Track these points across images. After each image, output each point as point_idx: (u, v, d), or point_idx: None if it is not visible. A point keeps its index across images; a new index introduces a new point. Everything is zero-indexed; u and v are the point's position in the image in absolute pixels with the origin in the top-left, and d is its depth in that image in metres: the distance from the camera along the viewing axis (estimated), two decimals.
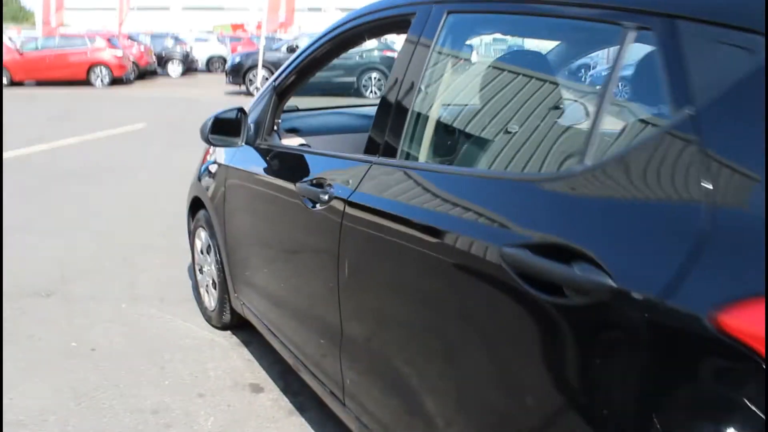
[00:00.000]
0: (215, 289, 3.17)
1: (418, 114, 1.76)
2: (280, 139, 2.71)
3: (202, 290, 3.41)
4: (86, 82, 18.24)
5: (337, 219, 1.86)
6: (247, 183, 2.62)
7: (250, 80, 16.39)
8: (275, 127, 2.69)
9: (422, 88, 1.73)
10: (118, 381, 2.75)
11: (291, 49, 16.77)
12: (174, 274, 4.01)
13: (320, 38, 2.38)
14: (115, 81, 18.59)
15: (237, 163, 2.73)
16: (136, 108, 13.46)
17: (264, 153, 2.56)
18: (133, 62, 20.01)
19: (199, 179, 3.22)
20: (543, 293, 1.22)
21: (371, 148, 1.86)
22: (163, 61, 23.10)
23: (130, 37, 22.28)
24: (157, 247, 4.54)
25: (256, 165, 2.55)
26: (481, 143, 1.71)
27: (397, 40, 19.26)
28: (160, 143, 9.04)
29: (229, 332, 3.24)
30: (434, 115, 1.78)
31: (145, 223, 5.11)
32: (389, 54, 16.94)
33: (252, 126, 2.63)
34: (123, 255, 4.34)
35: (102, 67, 18.41)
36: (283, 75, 2.56)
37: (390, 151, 1.77)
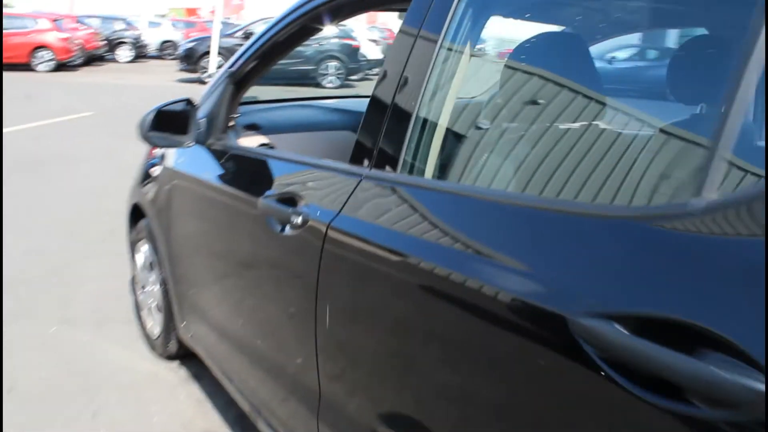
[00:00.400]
0: (159, 312, 2.69)
1: (428, 115, 1.31)
2: (237, 137, 2.23)
3: (143, 312, 2.92)
4: (28, 66, 17.20)
5: (314, 249, 1.41)
6: (197, 193, 2.14)
7: (204, 67, 15.69)
8: (231, 123, 2.21)
9: (432, 83, 1.29)
10: None
11: (247, 36, 16.12)
12: (115, 288, 3.48)
13: (285, 17, 1.92)
14: (60, 66, 17.58)
15: (185, 166, 2.24)
16: (82, 95, 12.66)
17: (217, 155, 2.08)
18: (80, 46, 18.99)
19: (141, 183, 2.72)
20: (650, 395, 0.79)
21: (360, 156, 1.41)
22: (112, 45, 22.07)
23: (77, 20, 21.16)
24: (98, 254, 4.00)
25: (208, 171, 2.07)
26: (524, 156, 1.26)
27: (356, 28, 18.74)
28: (106, 133, 8.39)
29: (176, 363, 2.76)
30: (452, 117, 1.33)
31: (85, 225, 4.56)
32: (349, 42, 16.48)
33: (203, 121, 2.15)
34: (57, 264, 3.80)
35: (46, 50, 17.38)
36: (242, 60, 2.09)
37: (387, 163, 1.33)
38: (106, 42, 21.37)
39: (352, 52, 16.62)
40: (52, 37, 17.48)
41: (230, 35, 16.61)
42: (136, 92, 13.10)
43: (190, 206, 2.21)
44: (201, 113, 2.16)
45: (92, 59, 20.13)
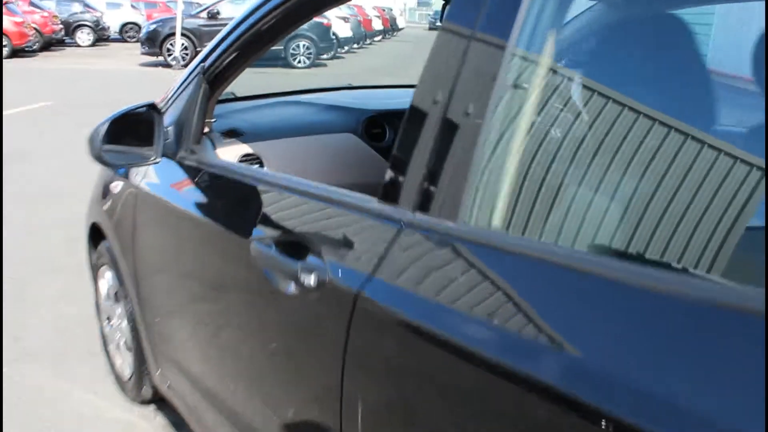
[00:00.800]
0: (129, 352, 2.28)
1: (500, 143, 0.92)
2: (215, 147, 1.83)
3: (111, 347, 2.51)
4: None
5: (338, 325, 1.02)
6: (167, 222, 1.74)
7: (168, 50, 15.04)
8: (206, 130, 1.81)
9: (503, 99, 0.90)
10: None
11: (212, 15, 15.49)
12: (77, 311, 3.06)
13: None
14: (16, 51, 16.73)
15: (151, 185, 1.83)
16: (39, 83, 11.97)
17: (191, 173, 1.68)
18: (37, 30, 18.12)
19: (101, 199, 2.29)
20: None
21: (396, 192, 1.01)
22: (71, 29, 21.18)
23: (31, 3, 20.21)
24: (57, 269, 3.56)
25: (179, 194, 1.67)
26: (639, 211, 0.86)
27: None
28: (67, 125, 7.83)
29: (152, 406, 2.37)
30: (536, 146, 0.94)
31: (43, 235, 4.10)
32: (319, 20, 15.92)
33: (171, 129, 1.75)
34: (9, 283, 3.35)
35: None
36: (217, 52, 1.68)
37: (439, 205, 0.94)
38: (64, 25, 20.50)
39: (323, 30, 16.08)
40: (5, 22, 16.59)
41: (194, 15, 15.95)
42: (98, 78, 12.45)
43: (159, 237, 1.81)
44: (168, 119, 1.76)
45: (51, 44, 19.29)
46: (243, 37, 1.61)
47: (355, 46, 20.30)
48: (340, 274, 1.03)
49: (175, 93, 1.81)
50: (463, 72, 0.93)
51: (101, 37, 21.93)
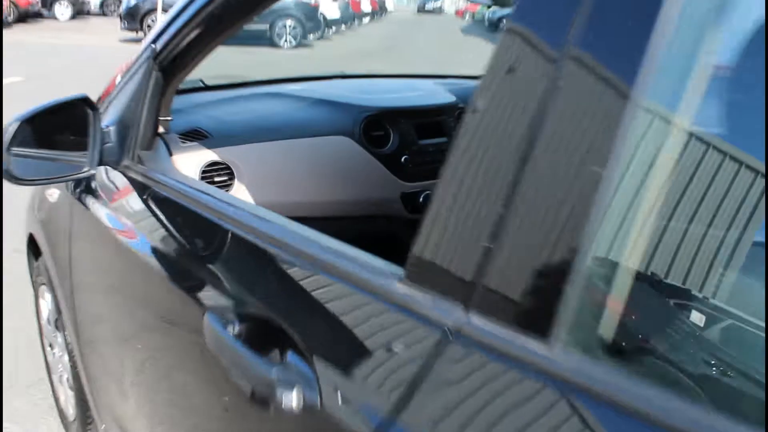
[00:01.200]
0: (72, 391, 1.89)
1: (621, 226, 0.50)
2: (171, 153, 1.43)
3: (55, 378, 2.12)
4: None
5: None
6: (105, 249, 1.34)
7: (149, 26, 14.48)
8: (161, 130, 1.41)
9: (627, 156, 0.49)
10: None
11: None
12: (22, 327, 2.65)
13: None
14: None
15: (88, 200, 1.43)
16: (11, 57, 11.34)
17: (137, 189, 1.28)
18: (12, 2, 17.44)
19: (36, 206, 1.89)
20: None
21: (435, 271, 0.60)
22: (48, 1, 20.46)
23: None
24: (13, 276, 3.13)
25: (117, 216, 1.27)
26: None
27: None
28: (37, 103, 7.34)
29: None
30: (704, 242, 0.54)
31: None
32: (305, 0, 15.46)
33: (113, 130, 1.34)
34: None
35: None
36: (173, 30, 1.27)
37: (518, 309, 0.54)
38: None
39: (310, 10, 15.58)
40: None
41: None
42: (75, 53, 11.91)
43: (97, 267, 1.41)
44: (109, 118, 1.35)
45: (26, 16, 18.58)
46: (207, 9, 1.21)
47: (344, 27, 19.76)
48: (339, 401, 0.64)
49: (121, 84, 1.41)
50: (551, 109, 0.53)
51: (80, 10, 21.24)
